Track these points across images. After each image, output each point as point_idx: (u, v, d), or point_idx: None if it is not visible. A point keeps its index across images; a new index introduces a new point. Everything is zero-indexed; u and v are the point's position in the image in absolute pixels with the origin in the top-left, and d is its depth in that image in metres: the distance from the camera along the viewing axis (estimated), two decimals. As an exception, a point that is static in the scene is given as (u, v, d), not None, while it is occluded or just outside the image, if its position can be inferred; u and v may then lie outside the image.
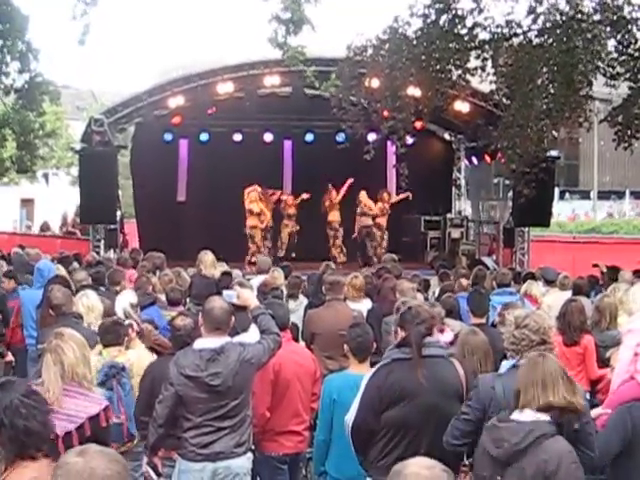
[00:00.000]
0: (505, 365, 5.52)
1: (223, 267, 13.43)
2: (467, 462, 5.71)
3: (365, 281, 10.92)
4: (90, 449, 3.14)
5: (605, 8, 15.97)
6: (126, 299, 9.25)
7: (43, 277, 11.10)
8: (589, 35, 15.59)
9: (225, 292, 8.45)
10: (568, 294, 11.21)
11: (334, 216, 23.84)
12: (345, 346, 6.86)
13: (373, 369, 6.01)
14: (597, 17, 16.11)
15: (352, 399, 6.19)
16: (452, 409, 5.66)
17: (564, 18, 16.03)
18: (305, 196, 23.65)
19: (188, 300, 10.78)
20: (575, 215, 51.85)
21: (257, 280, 12.16)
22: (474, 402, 5.40)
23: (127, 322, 8.21)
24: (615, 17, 15.94)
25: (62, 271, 12.22)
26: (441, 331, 8.09)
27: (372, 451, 5.78)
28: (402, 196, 24.04)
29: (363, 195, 23.50)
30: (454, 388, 5.79)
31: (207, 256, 12.57)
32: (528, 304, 10.84)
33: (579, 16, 15.80)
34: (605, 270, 14.14)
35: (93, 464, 3.03)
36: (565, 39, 15.57)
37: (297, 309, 11.14)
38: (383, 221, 24.08)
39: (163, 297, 11.15)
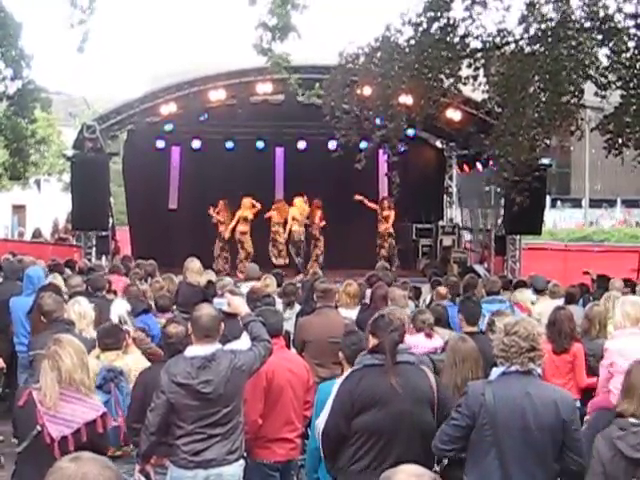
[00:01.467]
0: (495, 372, 5.54)
1: (209, 275, 13.41)
2: (437, 468, 5.74)
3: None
4: (84, 455, 3.17)
5: (594, 17, 16.03)
6: (122, 306, 9.25)
7: (33, 284, 11.09)
8: (574, 42, 15.62)
9: (216, 300, 8.47)
10: (558, 302, 11.23)
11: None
12: (340, 354, 6.85)
13: (345, 374, 6.01)
14: (588, 25, 16.17)
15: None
16: (424, 416, 5.70)
17: (554, 25, 16.06)
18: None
19: (174, 307, 10.78)
20: (585, 223, 52.02)
21: (246, 287, 12.14)
22: (464, 409, 5.42)
23: (124, 328, 8.22)
24: (606, 26, 16.01)
25: (58, 279, 12.22)
26: (429, 336, 8.12)
27: (343, 456, 5.76)
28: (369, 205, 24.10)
29: (299, 202, 23.27)
30: (426, 395, 5.79)
31: (193, 263, 12.53)
32: (518, 312, 10.86)
33: (568, 24, 15.83)
34: (595, 278, 14.19)
35: (85, 469, 3.06)
36: (556, 48, 15.61)
37: (292, 317, 11.15)
38: (383, 228, 24.02)
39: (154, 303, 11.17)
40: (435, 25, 16.72)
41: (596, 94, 16.63)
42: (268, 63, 17.37)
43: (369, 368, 5.78)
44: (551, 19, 16.21)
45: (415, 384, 5.80)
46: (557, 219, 51.92)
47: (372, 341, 5.94)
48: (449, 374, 6.70)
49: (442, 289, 12.36)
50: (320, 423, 5.88)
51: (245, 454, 6.94)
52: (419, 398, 5.76)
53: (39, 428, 5.44)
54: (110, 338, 7.85)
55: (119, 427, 7.12)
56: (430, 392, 5.82)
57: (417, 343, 7.83)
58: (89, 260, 19.54)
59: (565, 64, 15.32)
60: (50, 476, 3.08)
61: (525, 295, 12.12)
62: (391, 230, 24.05)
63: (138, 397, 7.10)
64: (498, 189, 21.97)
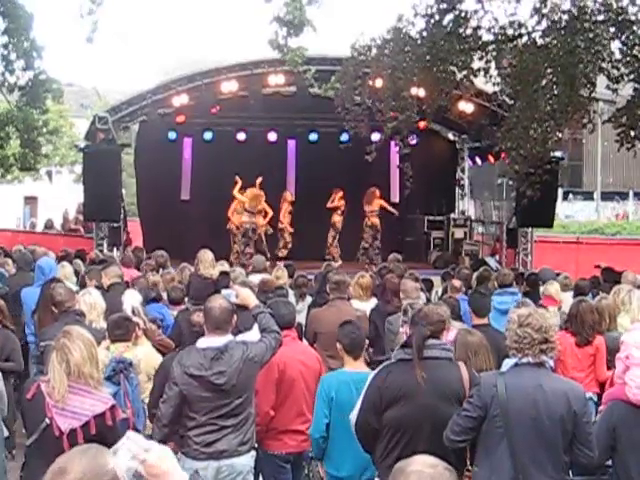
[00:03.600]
0: (507, 363, 5.53)
1: (223, 266, 13.40)
2: (470, 468, 5.68)
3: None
4: (75, 459, 2.96)
5: (609, 8, 15.95)
6: (135, 297, 9.24)
7: (45, 275, 11.08)
8: (591, 35, 15.56)
9: (224, 291, 8.45)
10: (569, 295, 11.19)
11: (334, 217, 23.80)
12: (338, 345, 6.87)
13: (378, 368, 6.02)
14: (601, 17, 16.09)
15: (349, 397, 6.24)
16: (451, 411, 5.64)
17: (567, 18, 16.00)
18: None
19: (186, 300, 10.78)
20: (624, 214, 51.71)
21: (253, 279, 12.10)
22: (475, 400, 5.40)
23: (135, 319, 8.23)
24: (619, 18, 15.93)
25: (67, 269, 12.24)
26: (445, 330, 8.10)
27: (377, 450, 5.82)
28: (390, 209, 23.84)
29: (251, 192, 23.21)
30: (454, 391, 5.76)
31: (206, 255, 12.51)
32: (531, 304, 10.80)
33: (583, 17, 15.75)
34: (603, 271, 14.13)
35: None
36: (569, 40, 15.54)
37: (304, 309, 11.13)
38: (374, 221, 23.84)
39: (166, 295, 11.17)
40: (447, 17, 16.68)
41: (608, 87, 16.56)
42: (285, 58, 17.39)
43: (400, 362, 5.81)
44: (564, 11, 16.13)
45: (442, 379, 5.77)
46: (568, 212, 51.61)
47: (408, 334, 5.97)
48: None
49: (457, 282, 12.30)
50: (353, 417, 5.90)
51: (256, 445, 6.95)
52: (445, 393, 5.74)
53: (48, 421, 5.44)
54: (120, 329, 7.86)
55: (128, 419, 7.14)
56: (460, 388, 5.77)
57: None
58: (101, 252, 19.55)
59: (582, 57, 15.24)
60: None
61: (555, 287, 11.99)
62: (368, 222, 23.80)
63: (160, 383, 7.10)
64: (510, 182, 21.90)
